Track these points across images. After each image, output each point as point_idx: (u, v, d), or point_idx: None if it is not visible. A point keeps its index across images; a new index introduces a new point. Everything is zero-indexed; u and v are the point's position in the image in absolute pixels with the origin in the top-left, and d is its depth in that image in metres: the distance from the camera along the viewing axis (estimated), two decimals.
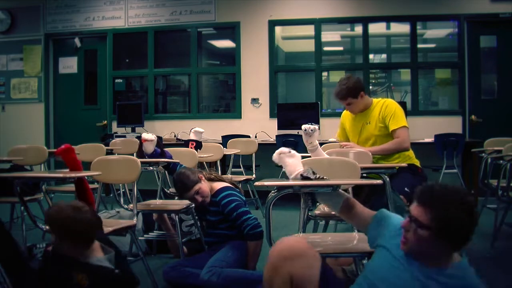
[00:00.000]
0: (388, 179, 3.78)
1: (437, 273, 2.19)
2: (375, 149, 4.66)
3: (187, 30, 9.47)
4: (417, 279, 2.20)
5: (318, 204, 4.35)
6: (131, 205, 4.20)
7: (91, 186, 5.79)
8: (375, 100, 4.89)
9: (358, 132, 4.87)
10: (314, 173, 2.81)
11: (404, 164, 4.27)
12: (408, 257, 2.26)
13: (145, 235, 4.87)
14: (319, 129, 3.21)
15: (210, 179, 4.28)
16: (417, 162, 4.79)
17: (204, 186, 4.10)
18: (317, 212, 4.11)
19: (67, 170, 3.91)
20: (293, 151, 2.93)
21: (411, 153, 4.79)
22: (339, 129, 5.23)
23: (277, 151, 2.91)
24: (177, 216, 4.53)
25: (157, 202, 4.91)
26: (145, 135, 4.45)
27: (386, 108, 4.72)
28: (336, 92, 4.81)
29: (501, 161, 5.32)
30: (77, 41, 9.77)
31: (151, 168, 4.77)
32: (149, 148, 4.51)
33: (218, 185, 4.20)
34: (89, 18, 9.69)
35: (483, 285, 2.18)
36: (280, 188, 2.77)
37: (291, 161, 2.90)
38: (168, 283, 3.90)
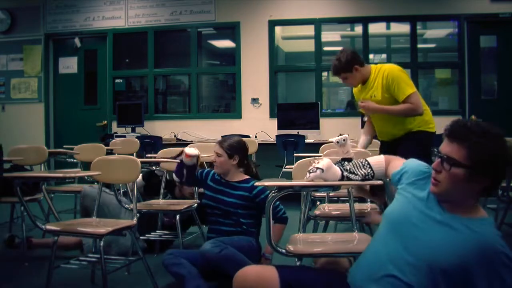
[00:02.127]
0: (388, 180, 3.76)
1: (460, 220, 2.07)
2: (389, 108, 4.56)
3: (187, 30, 9.47)
4: (438, 222, 2.10)
5: (318, 204, 4.36)
6: (132, 204, 4.20)
7: (91, 186, 5.82)
8: (373, 67, 4.71)
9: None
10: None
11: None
12: (431, 200, 2.16)
13: (146, 235, 4.88)
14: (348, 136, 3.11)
15: (244, 168, 4.23)
16: (432, 127, 4.67)
17: (225, 162, 4.08)
18: (317, 212, 4.11)
19: (67, 170, 3.90)
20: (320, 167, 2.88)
21: (427, 116, 4.65)
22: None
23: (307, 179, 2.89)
24: (178, 217, 4.52)
25: (160, 202, 4.92)
26: (188, 150, 4.16)
27: (387, 76, 4.53)
28: (331, 69, 4.73)
29: None
30: (77, 41, 9.77)
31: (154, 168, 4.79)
32: (189, 162, 4.23)
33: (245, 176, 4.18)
34: (89, 18, 9.69)
35: (507, 248, 2.00)
36: (280, 188, 2.76)
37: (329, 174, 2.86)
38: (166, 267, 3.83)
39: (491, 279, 1.96)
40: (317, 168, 2.77)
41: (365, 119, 4.98)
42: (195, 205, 4.72)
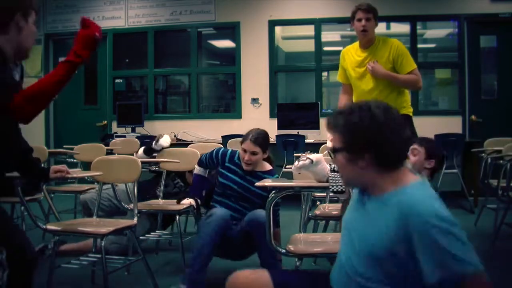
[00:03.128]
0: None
1: (381, 200, 1.99)
2: (396, 75, 4.69)
3: (187, 30, 9.47)
4: (365, 212, 2.04)
5: (318, 204, 4.36)
6: (132, 204, 4.20)
7: (91, 186, 5.82)
8: (377, 37, 4.87)
9: (366, 76, 4.83)
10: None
11: None
12: (356, 195, 2.16)
13: (146, 235, 4.88)
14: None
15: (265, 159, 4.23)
16: (411, 111, 4.85)
17: (260, 158, 4.08)
18: (317, 212, 4.12)
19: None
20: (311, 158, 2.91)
21: (408, 97, 4.90)
22: (339, 70, 5.16)
23: (296, 167, 2.92)
24: (178, 218, 4.51)
25: (160, 202, 4.92)
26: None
27: (397, 48, 4.72)
28: (361, 3, 4.78)
29: (501, 161, 5.32)
30: None
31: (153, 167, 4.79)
32: None
33: (268, 166, 4.20)
34: (89, 18, 9.67)
35: (436, 207, 1.86)
36: (280, 188, 2.77)
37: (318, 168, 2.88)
38: None
39: (425, 245, 1.82)
40: (308, 158, 2.80)
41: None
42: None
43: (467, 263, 1.80)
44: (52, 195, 5.87)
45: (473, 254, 1.81)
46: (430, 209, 1.86)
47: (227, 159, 4.14)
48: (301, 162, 2.80)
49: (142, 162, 4.22)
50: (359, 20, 4.72)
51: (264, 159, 4.16)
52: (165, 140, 5.17)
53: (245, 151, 4.01)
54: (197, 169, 4.34)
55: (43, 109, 2.87)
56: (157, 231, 5.03)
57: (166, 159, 4.96)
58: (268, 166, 4.17)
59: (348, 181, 2.15)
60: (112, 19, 9.60)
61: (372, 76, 4.72)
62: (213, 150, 4.22)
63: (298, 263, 2.92)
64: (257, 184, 2.80)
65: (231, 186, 4.06)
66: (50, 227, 3.63)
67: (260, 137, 4.04)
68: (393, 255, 1.90)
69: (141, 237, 4.74)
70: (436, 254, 1.81)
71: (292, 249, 2.87)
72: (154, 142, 5.21)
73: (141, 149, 5.42)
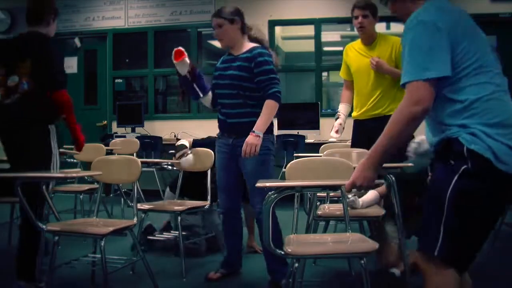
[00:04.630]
0: (393, 178, 3.77)
1: None
2: (399, 71, 4.53)
3: (187, 30, 9.48)
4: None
5: (318, 204, 4.36)
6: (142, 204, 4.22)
7: (91, 186, 5.82)
8: (379, 34, 4.96)
9: (367, 72, 4.86)
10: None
11: (410, 164, 4.18)
12: None
13: (157, 235, 4.93)
14: None
15: (251, 38, 4.16)
16: None
17: (232, 30, 4.03)
18: (319, 212, 4.11)
19: (68, 170, 3.90)
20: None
21: None
22: (342, 66, 5.22)
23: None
24: (179, 218, 4.51)
25: (165, 203, 4.94)
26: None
27: (399, 46, 4.67)
28: (358, 0, 4.86)
29: None
30: (77, 41, 9.77)
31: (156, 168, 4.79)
32: (183, 66, 4.17)
33: (255, 44, 4.09)
34: (89, 18, 9.70)
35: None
36: (281, 189, 2.76)
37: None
38: None
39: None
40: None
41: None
42: (207, 206, 4.74)
43: (411, 68, 2.18)
44: (52, 195, 5.86)
45: (423, 59, 2.16)
46: (416, 16, 2.24)
47: (219, 62, 4.25)
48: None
49: (143, 163, 4.22)
50: (356, 17, 4.83)
51: (251, 39, 4.14)
52: (188, 162, 4.84)
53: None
54: None
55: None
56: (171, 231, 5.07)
57: (166, 161, 4.96)
58: (251, 45, 4.06)
59: (400, 14, 2.45)
60: (112, 19, 9.61)
61: (375, 71, 4.74)
62: None
63: (296, 265, 2.91)
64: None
65: (216, 83, 4.12)
66: (50, 227, 3.63)
67: (224, 9, 4.08)
68: None
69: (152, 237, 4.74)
70: (405, 49, 2.23)
71: (289, 250, 2.85)
72: (177, 156, 4.86)
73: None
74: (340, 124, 4.99)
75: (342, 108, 5.10)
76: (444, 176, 2.23)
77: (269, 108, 3.92)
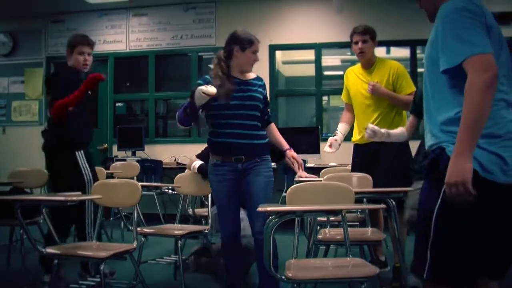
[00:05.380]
0: (394, 203, 3.77)
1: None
2: (395, 95, 4.79)
3: (187, 54, 9.51)
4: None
5: (319, 228, 4.34)
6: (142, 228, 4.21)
7: None
8: (377, 58, 5.02)
9: (365, 96, 4.89)
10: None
11: (410, 188, 4.16)
12: None
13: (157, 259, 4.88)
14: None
15: None
16: None
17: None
18: (319, 236, 4.10)
19: (68, 193, 3.89)
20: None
21: (405, 119, 4.93)
22: (343, 90, 5.26)
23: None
24: (180, 242, 4.49)
25: (166, 226, 4.94)
26: (205, 89, 3.74)
27: (397, 70, 4.85)
28: (357, 26, 4.97)
29: None
30: None
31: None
32: (203, 101, 3.82)
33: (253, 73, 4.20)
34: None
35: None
36: (282, 213, 2.75)
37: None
38: None
39: (443, 25, 2.29)
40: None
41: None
42: (207, 230, 4.73)
43: (469, 44, 2.15)
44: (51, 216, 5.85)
45: (479, 38, 2.16)
46: (456, 2, 2.26)
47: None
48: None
49: (143, 186, 4.22)
50: (356, 43, 4.90)
51: None
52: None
53: (255, 52, 4.07)
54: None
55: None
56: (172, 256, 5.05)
57: (167, 185, 4.97)
58: (251, 73, 4.16)
59: (427, 7, 2.53)
60: (114, 42, 9.65)
61: (372, 95, 4.77)
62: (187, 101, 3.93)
63: None
64: (259, 209, 2.77)
65: (231, 105, 3.95)
66: (49, 250, 3.61)
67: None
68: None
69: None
70: (446, 37, 2.24)
71: (290, 275, 2.83)
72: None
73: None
74: (336, 140, 4.96)
75: (341, 127, 5.12)
76: (429, 196, 2.25)
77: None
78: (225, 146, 4.00)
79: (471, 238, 2.17)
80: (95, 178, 4.67)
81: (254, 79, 4.11)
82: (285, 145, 4.17)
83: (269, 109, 4.18)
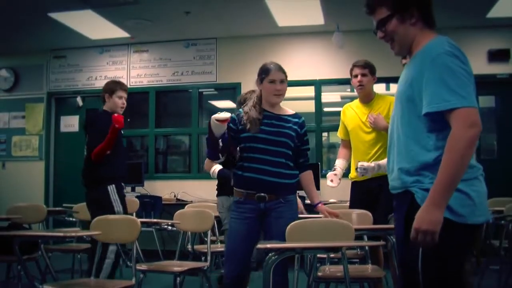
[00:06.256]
0: (394, 240, 3.75)
1: (414, 56, 2.50)
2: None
3: (188, 91, 9.55)
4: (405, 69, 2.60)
5: (319, 265, 4.31)
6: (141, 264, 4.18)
7: (90, 245, 5.77)
8: (376, 93, 5.05)
9: (365, 130, 4.91)
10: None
11: None
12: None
13: None
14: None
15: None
16: None
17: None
18: (319, 274, 4.07)
19: (66, 229, 3.88)
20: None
21: None
22: (339, 126, 5.28)
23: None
24: (179, 279, 4.45)
25: (163, 263, 4.91)
26: (217, 116, 3.75)
27: None
28: (357, 60, 5.05)
29: (502, 222, 5.29)
30: (79, 100, 9.84)
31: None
32: (221, 129, 3.81)
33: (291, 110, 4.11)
34: (92, 77, 9.79)
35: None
36: (281, 250, 2.74)
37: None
38: None
39: (430, 70, 2.26)
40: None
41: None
42: (206, 267, 4.69)
43: (459, 96, 2.16)
44: (50, 254, 5.82)
45: (468, 90, 2.19)
46: (444, 45, 2.28)
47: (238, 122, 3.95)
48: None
49: (142, 222, 4.20)
50: (356, 76, 4.95)
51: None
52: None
53: (273, 81, 3.93)
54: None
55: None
56: None
57: (163, 221, 4.96)
58: (288, 109, 4.08)
59: (401, 43, 2.48)
60: (114, 78, 9.68)
61: (373, 128, 4.78)
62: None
63: None
64: (259, 246, 2.75)
65: (258, 138, 3.86)
66: (47, 287, 3.58)
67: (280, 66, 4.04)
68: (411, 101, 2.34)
69: None
70: (435, 80, 2.21)
71: None
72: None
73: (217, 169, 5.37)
74: (336, 175, 4.93)
75: (339, 163, 5.09)
76: (407, 242, 2.26)
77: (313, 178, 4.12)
78: (248, 181, 3.87)
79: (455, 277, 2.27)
80: (125, 209, 5.14)
81: (289, 115, 4.00)
82: (316, 198, 4.03)
83: (307, 152, 4.03)
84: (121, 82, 5.66)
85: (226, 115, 3.69)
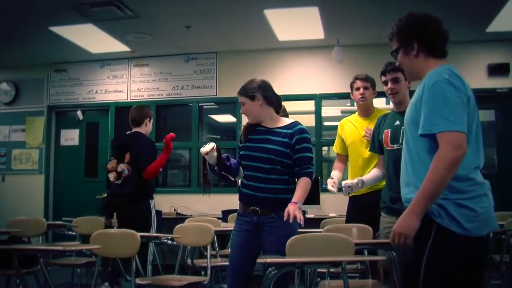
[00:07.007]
0: (394, 254, 3.74)
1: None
2: None
3: (188, 105, 9.56)
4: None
5: (319, 280, 4.30)
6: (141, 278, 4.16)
7: (89, 259, 5.75)
8: (376, 108, 5.13)
9: (363, 144, 4.92)
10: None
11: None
12: None
13: None
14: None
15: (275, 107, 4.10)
16: None
17: (253, 107, 3.96)
18: None
19: (66, 243, 3.87)
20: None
21: None
22: (336, 140, 5.30)
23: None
24: None
25: (162, 278, 4.90)
26: (202, 150, 3.83)
27: None
28: (359, 74, 5.15)
29: (503, 236, 5.28)
30: (79, 113, 9.85)
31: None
32: (212, 158, 3.87)
33: (292, 120, 4.07)
34: (92, 91, 9.80)
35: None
36: (281, 265, 2.73)
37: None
38: None
39: (426, 96, 2.52)
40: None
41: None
42: (206, 282, 4.67)
43: (448, 121, 2.40)
44: (49, 268, 5.79)
45: (458, 116, 2.43)
46: (443, 74, 2.53)
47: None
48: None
49: (142, 237, 4.19)
50: (358, 89, 5.01)
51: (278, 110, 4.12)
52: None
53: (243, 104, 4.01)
54: None
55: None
56: None
57: (162, 235, 4.96)
58: (288, 121, 4.05)
59: (407, 72, 2.85)
60: (115, 92, 9.71)
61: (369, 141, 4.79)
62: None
63: None
64: (259, 260, 2.74)
65: (249, 155, 3.94)
66: None
67: (246, 85, 4.04)
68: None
69: None
70: (429, 105, 2.47)
71: None
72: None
73: None
74: (335, 183, 4.89)
75: (335, 174, 5.03)
76: (414, 256, 2.51)
77: (307, 184, 3.82)
78: (242, 196, 3.97)
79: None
80: (161, 222, 5.68)
81: (281, 127, 3.97)
82: (294, 198, 3.76)
83: (304, 161, 3.88)
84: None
85: (210, 145, 3.80)
